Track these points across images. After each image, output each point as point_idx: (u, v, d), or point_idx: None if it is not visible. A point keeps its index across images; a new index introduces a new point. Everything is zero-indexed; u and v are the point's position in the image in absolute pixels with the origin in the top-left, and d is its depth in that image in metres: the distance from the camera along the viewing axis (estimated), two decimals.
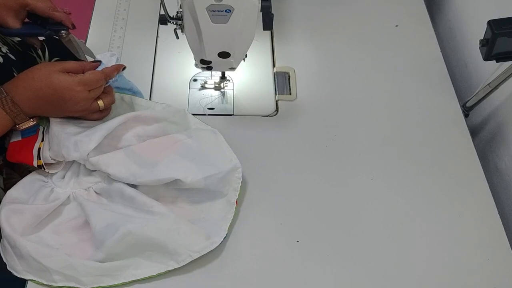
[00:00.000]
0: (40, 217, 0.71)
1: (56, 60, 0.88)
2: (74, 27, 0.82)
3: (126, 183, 0.74)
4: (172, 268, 0.70)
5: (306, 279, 0.72)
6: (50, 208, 0.72)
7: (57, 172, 0.76)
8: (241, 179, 0.77)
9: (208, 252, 0.71)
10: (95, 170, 0.76)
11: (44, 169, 0.74)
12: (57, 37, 0.81)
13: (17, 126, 0.71)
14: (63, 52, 0.85)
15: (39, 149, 0.73)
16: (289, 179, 0.82)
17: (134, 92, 0.85)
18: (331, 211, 0.79)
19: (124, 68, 0.79)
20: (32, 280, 0.69)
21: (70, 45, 0.82)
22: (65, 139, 0.73)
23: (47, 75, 0.69)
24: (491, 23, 0.72)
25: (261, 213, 0.78)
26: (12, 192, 0.74)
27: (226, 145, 0.79)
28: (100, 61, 0.78)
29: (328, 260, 0.74)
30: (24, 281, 0.70)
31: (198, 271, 0.72)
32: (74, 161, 0.76)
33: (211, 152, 0.78)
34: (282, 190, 0.80)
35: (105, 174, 0.75)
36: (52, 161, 0.74)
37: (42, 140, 0.74)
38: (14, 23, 0.77)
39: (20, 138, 0.74)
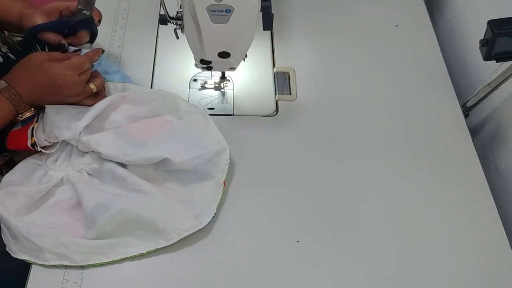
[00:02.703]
0: (33, 198, 0.73)
1: None
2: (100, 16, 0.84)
3: (117, 164, 0.76)
4: (161, 246, 0.71)
5: (306, 279, 0.72)
6: (43, 189, 0.73)
7: (51, 156, 0.78)
8: (229, 161, 0.78)
9: (197, 231, 0.72)
10: (88, 152, 0.77)
11: (37, 147, 0.75)
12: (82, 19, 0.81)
13: (20, 116, 0.75)
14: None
15: (33, 128, 0.75)
16: (289, 179, 0.82)
17: (123, 76, 0.87)
18: (331, 211, 0.79)
19: (103, 51, 0.81)
20: (27, 260, 0.70)
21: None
22: (58, 121, 0.75)
23: (39, 64, 0.73)
24: (491, 23, 0.72)
25: (261, 213, 0.78)
26: (8, 176, 0.76)
27: (215, 127, 0.81)
28: (80, 50, 0.80)
29: (328, 260, 0.74)
30: (24, 281, 0.70)
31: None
32: (67, 144, 0.78)
33: (200, 134, 0.79)
34: (282, 190, 0.80)
35: (97, 156, 0.77)
36: (47, 143, 0.76)
37: (37, 122, 0.77)
38: (41, 21, 0.79)
39: (20, 127, 0.77)
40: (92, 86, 0.78)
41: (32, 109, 0.75)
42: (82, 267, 0.71)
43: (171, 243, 0.71)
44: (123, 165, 0.76)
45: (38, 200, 0.74)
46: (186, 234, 0.71)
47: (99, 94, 0.81)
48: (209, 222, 0.74)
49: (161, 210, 0.72)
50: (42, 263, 0.70)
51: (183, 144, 0.76)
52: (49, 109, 0.76)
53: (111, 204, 0.71)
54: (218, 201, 0.76)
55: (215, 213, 0.74)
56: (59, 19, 0.80)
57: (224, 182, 0.77)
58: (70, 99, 0.78)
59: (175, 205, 0.73)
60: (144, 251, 0.71)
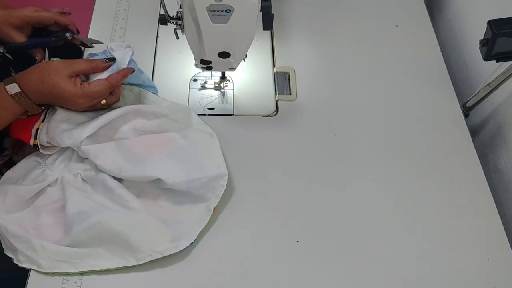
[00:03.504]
0: (22, 197, 0.73)
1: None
2: (78, 32, 0.84)
3: (110, 175, 0.75)
4: (131, 265, 0.70)
5: (306, 279, 0.72)
6: (33, 189, 0.74)
7: (52, 155, 0.77)
8: (225, 187, 0.76)
9: (175, 256, 0.71)
10: (87, 158, 0.77)
11: (39, 149, 0.75)
12: (64, 42, 0.83)
13: (29, 114, 0.75)
14: (63, 52, 0.85)
15: (38, 129, 0.75)
16: (289, 179, 0.82)
17: (146, 86, 0.86)
18: (331, 211, 0.79)
19: (133, 71, 0.79)
20: (10, 257, 0.71)
21: (80, 43, 0.84)
22: (64, 127, 0.75)
23: (56, 82, 0.71)
24: (491, 23, 0.72)
25: (261, 213, 0.78)
26: (9, 173, 0.77)
27: (218, 151, 0.79)
28: (114, 59, 0.78)
29: (328, 260, 0.74)
30: (24, 281, 0.70)
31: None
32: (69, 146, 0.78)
33: (201, 156, 0.78)
34: (282, 190, 0.80)
35: (94, 163, 0.76)
36: (48, 145, 0.75)
37: (43, 121, 0.76)
38: (19, 37, 0.79)
39: (25, 117, 0.76)
40: (103, 101, 0.77)
41: (43, 107, 0.75)
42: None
43: (141, 263, 0.70)
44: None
45: (29, 199, 0.74)
46: (158, 256, 0.70)
47: (113, 95, 0.79)
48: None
49: (138, 228, 0.71)
50: (17, 263, 0.70)
51: (180, 165, 0.75)
52: (59, 114, 0.76)
53: (91, 214, 0.70)
54: (202, 228, 0.74)
55: (195, 239, 0.73)
56: (43, 38, 0.82)
57: (214, 209, 0.75)
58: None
59: (155, 225, 0.72)
60: (112, 267, 0.70)
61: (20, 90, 0.70)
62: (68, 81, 0.72)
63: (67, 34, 0.82)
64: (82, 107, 0.76)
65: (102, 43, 0.82)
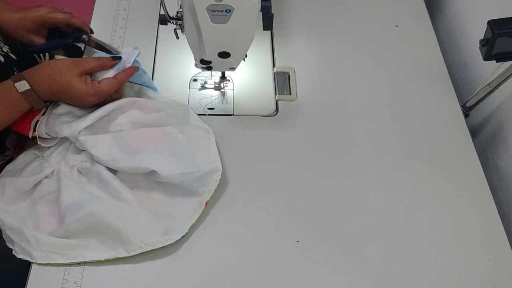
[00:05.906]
0: (21, 189, 0.74)
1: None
2: (92, 31, 0.86)
3: (105, 167, 0.76)
4: (121, 256, 0.71)
5: (306, 279, 0.72)
6: (30, 181, 0.74)
7: (49, 147, 0.78)
8: (218, 182, 0.76)
9: (166, 249, 0.71)
10: (84, 150, 0.78)
11: (37, 141, 0.76)
12: (82, 43, 0.85)
13: (34, 109, 0.75)
14: (64, 51, 0.86)
15: (37, 121, 0.76)
16: (289, 179, 0.82)
17: (147, 86, 0.86)
18: (331, 211, 0.79)
19: (138, 69, 0.81)
20: (11, 248, 0.72)
21: (95, 45, 0.84)
22: (64, 119, 0.76)
23: (68, 81, 0.73)
24: (491, 23, 0.72)
25: (261, 213, 0.78)
26: (9, 166, 0.78)
27: (214, 147, 0.80)
28: (120, 57, 0.79)
29: (328, 260, 0.74)
30: (24, 281, 0.70)
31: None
32: (66, 139, 0.79)
33: (196, 151, 0.78)
34: (282, 190, 0.80)
35: (90, 155, 0.77)
36: (47, 136, 0.76)
37: (43, 114, 0.77)
38: (38, 40, 0.83)
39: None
40: (108, 97, 0.79)
41: (48, 103, 0.76)
42: (83, 266, 0.71)
43: (131, 255, 0.70)
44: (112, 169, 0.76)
45: (27, 191, 0.75)
46: (149, 248, 0.70)
47: (117, 91, 0.80)
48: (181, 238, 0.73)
49: (130, 220, 0.71)
50: (15, 254, 0.71)
51: (175, 159, 0.76)
52: (61, 108, 0.77)
53: (84, 205, 0.71)
54: (194, 221, 0.74)
55: (186, 233, 0.73)
56: (61, 40, 0.84)
57: (206, 203, 0.75)
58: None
59: (147, 217, 0.72)
60: (102, 258, 0.70)
61: (29, 87, 0.71)
62: (79, 80, 0.74)
63: (84, 36, 0.84)
64: (90, 105, 0.77)
65: (119, 52, 0.82)
